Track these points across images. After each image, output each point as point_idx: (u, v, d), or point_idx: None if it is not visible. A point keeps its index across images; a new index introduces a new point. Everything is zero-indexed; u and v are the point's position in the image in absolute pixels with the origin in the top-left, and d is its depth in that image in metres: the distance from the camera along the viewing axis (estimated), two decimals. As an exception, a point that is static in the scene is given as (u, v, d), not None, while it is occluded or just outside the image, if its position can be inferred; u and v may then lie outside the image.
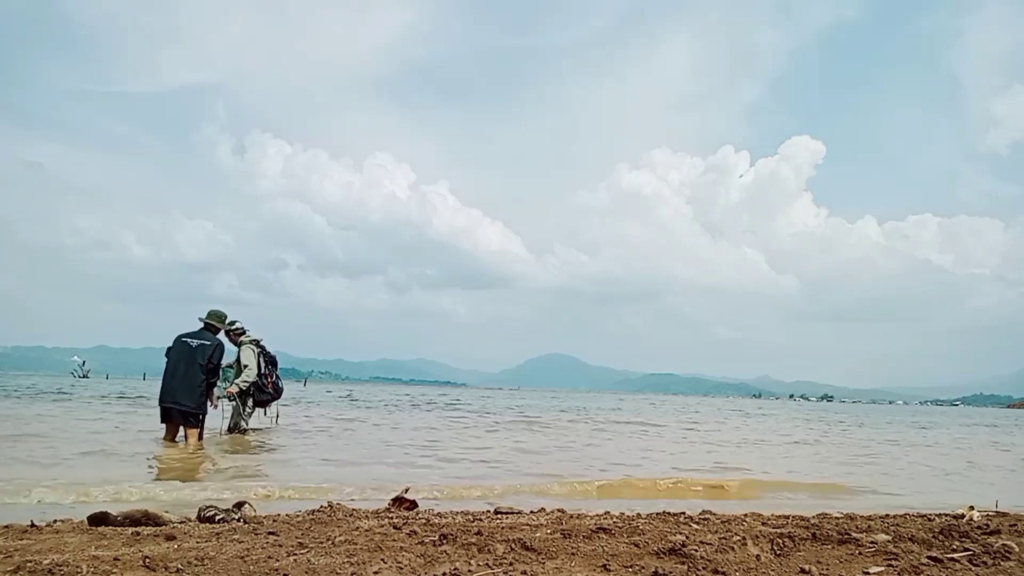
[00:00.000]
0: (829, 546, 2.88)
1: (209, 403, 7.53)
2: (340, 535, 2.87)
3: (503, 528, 3.05)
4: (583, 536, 2.91)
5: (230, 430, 8.40)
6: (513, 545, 2.71)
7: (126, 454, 6.90)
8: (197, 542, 2.71)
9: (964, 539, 2.93)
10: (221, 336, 7.77)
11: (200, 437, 7.38)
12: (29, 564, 2.30)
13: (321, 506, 3.70)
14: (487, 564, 2.49)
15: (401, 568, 2.42)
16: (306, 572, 2.32)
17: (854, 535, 2.98)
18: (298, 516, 3.45)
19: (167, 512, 3.42)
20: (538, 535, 2.88)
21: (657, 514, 3.69)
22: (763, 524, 3.33)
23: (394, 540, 2.80)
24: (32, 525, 3.10)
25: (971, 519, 3.58)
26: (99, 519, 3.20)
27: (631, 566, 2.51)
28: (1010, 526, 3.37)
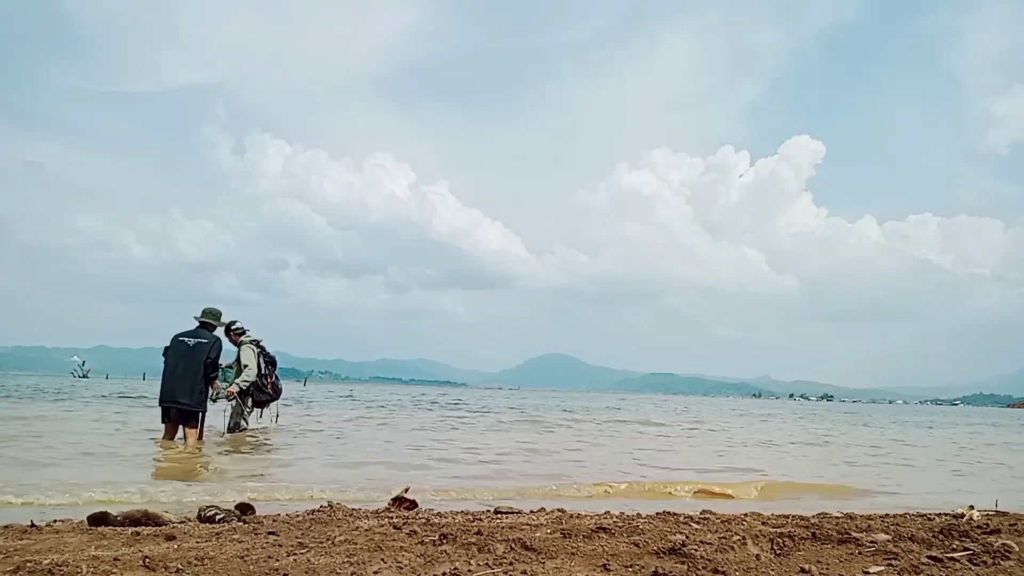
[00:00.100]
0: (829, 546, 2.88)
1: (210, 399, 7.55)
2: (340, 535, 2.87)
3: (503, 528, 3.05)
4: (583, 536, 2.91)
5: (230, 430, 8.40)
6: (513, 545, 2.71)
7: (126, 454, 6.90)
8: (197, 542, 2.71)
9: (964, 538, 2.93)
10: (218, 333, 7.79)
11: (200, 437, 7.39)
12: (29, 564, 2.30)
13: (321, 506, 3.70)
14: (487, 564, 2.49)
15: (401, 568, 2.42)
16: (306, 572, 2.32)
17: (854, 535, 2.98)
18: (298, 516, 3.45)
19: (167, 512, 3.42)
20: (538, 535, 2.88)
21: (657, 514, 3.68)
22: (763, 524, 3.33)
23: (394, 540, 2.80)
24: (32, 525, 3.10)
25: (971, 518, 3.57)
26: (99, 519, 3.20)
27: (631, 566, 2.51)
28: (1010, 525, 3.36)
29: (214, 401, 7.83)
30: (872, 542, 2.87)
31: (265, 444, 8.09)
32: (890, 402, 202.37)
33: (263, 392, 8.60)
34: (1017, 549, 2.69)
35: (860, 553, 2.75)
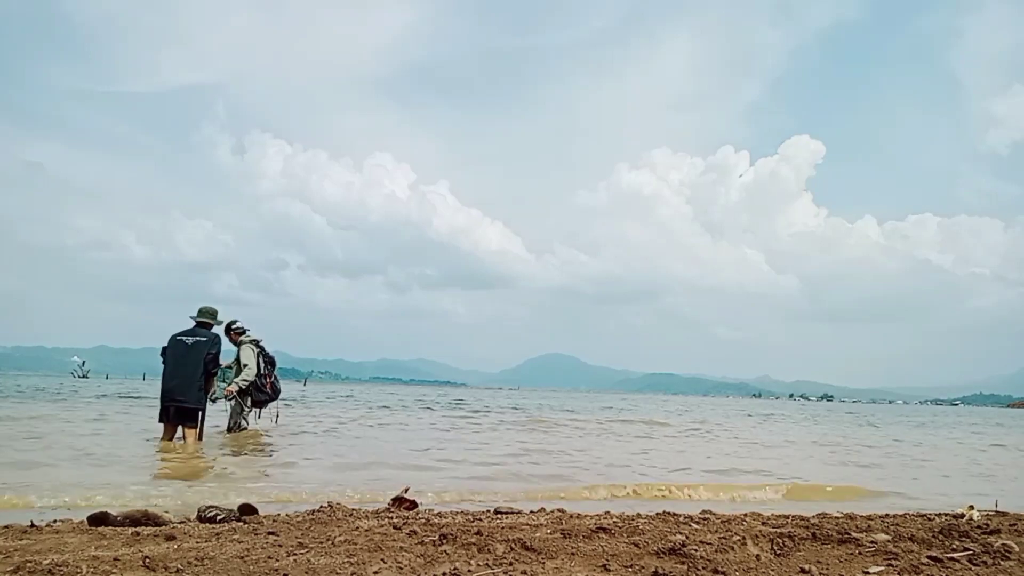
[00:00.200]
0: (829, 546, 2.88)
1: (209, 398, 7.56)
2: (340, 535, 2.87)
3: (503, 528, 3.05)
4: (583, 536, 2.91)
5: (229, 430, 8.40)
6: (513, 545, 2.71)
7: (126, 454, 6.91)
8: (197, 542, 2.71)
9: (964, 539, 2.93)
10: (217, 331, 7.80)
11: (200, 437, 7.39)
12: (29, 564, 2.30)
13: (321, 506, 3.70)
14: (487, 564, 2.49)
15: (401, 568, 2.42)
16: (306, 572, 2.32)
17: (854, 535, 2.98)
18: (298, 516, 3.45)
19: (167, 512, 3.42)
20: (538, 535, 2.88)
21: (657, 514, 3.68)
22: (763, 524, 3.33)
23: (394, 540, 2.80)
24: (32, 525, 3.10)
25: (971, 519, 3.57)
26: (99, 519, 3.21)
27: (631, 566, 2.51)
28: (1010, 526, 3.36)
29: (213, 401, 7.84)
30: (872, 542, 2.87)
31: (265, 444, 8.08)
32: (890, 402, 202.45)
33: (262, 392, 8.60)
34: (1017, 549, 2.69)
35: (860, 553, 2.75)
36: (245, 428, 8.51)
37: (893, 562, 2.59)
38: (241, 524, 3.22)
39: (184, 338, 7.45)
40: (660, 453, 9.25)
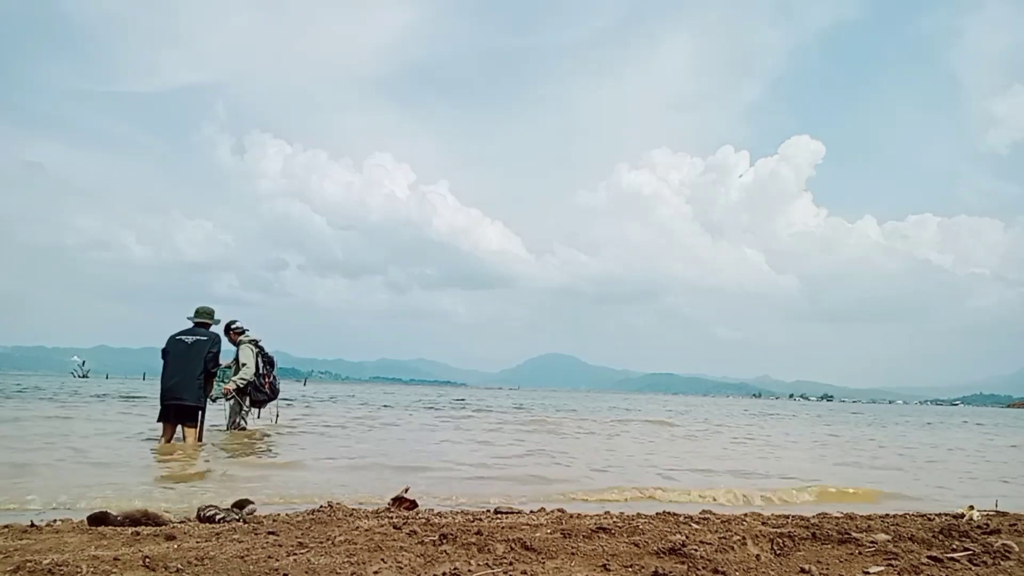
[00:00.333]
0: (829, 546, 2.88)
1: (209, 398, 7.57)
2: (340, 535, 2.87)
3: (503, 528, 3.05)
4: (583, 536, 2.91)
5: (228, 429, 8.41)
6: (513, 545, 2.71)
7: (126, 454, 6.91)
8: (197, 542, 2.71)
9: (964, 539, 2.93)
10: (216, 330, 7.81)
11: (199, 438, 7.39)
12: (29, 564, 2.30)
13: (321, 506, 3.70)
14: (487, 564, 2.49)
15: (401, 568, 2.42)
16: (306, 572, 2.32)
17: (854, 535, 2.98)
18: (298, 516, 3.45)
19: (167, 512, 3.42)
20: (538, 535, 2.88)
21: (657, 514, 3.68)
22: (763, 524, 3.33)
23: (394, 540, 2.80)
24: (32, 525, 3.10)
25: (971, 519, 3.57)
26: (99, 519, 3.21)
27: (631, 566, 2.51)
28: (1010, 526, 3.36)
29: (213, 400, 7.84)
30: (872, 542, 2.87)
31: (265, 444, 8.08)
32: (890, 402, 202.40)
33: (260, 392, 8.60)
34: (1017, 549, 2.69)
35: (860, 553, 2.75)
36: (244, 428, 8.52)
37: (893, 562, 2.59)
38: (241, 524, 3.22)
39: (184, 338, 7.46)
40: (669, 454, 9.14)
